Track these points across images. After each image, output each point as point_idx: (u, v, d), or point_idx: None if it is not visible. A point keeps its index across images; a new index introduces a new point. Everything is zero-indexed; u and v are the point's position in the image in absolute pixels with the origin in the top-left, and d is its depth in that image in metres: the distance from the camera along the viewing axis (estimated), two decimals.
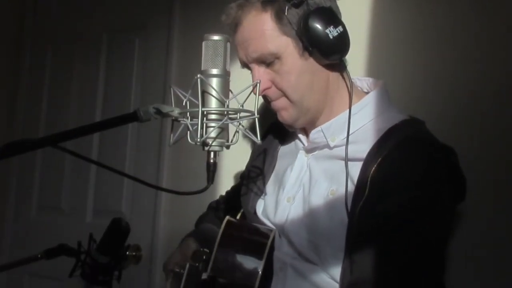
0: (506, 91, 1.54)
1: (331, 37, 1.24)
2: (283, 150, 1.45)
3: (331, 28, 1.24)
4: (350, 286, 1.15)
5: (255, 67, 1.29)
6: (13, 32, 2.86)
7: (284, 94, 1.29)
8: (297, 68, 1.27)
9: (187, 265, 1.18)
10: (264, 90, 1.29)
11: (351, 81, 1.31)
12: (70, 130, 0.98)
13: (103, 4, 2.56)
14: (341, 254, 1.20)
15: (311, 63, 1.28)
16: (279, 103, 1.31)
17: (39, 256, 1.31)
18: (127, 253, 1.33)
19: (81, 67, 2.63)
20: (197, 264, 1.17)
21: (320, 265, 1.23)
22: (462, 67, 1.61)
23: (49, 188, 2.66)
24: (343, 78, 1.34)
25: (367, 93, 1.35)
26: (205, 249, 1.19)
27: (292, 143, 1.43)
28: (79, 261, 1.28)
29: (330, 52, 1.26)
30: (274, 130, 1.49)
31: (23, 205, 2.73)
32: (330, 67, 1.30)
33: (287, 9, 1.24)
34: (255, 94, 1.09)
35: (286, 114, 1.31)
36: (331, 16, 1.27)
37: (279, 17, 1.25)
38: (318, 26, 1.23)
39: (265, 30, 1.26)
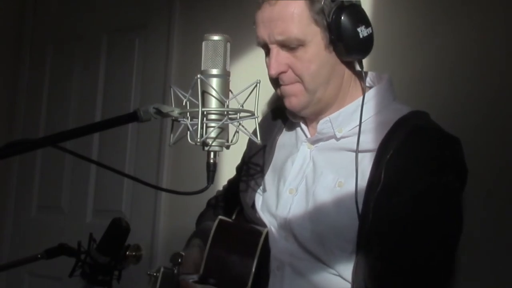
0: (506, 89, 1.54)
1: (360, 36, 1.24)
2: (282, 140, 1.44)
3: (363, 27, 1.24)
4: (377, 279, 1.14)
5: (275, 49, 1.26)
6: (13, 32, 2.86)
7: (301, 81, 1.27)
8: (319, 58, 1.26)
9: (162, 269, 1.18)
10: (280, 73, 1.26)
11: (365, 82, 1.29)
12: (70, 130, 0.98)
13: (103, 4, 2.56)
14: (348, 246, 1.20)
15: (333, 57, 1.27)
16: (292, 88, 1.28)
17: (39, 256, 1.31)
18: (127, 253, 1.33)
19: (81, 67, 2.63)
20: (173, 268, 1.17)
21: (324, 258, 1.22)
22: (462, 67, 1.61)
23: (49, 188, 2.66)
24: (356, 76, 1.33)
25: (369, 87, 1.35)
26: (181, 252, 1.18)
27: (292, 134, 1.42)
28: (79, 261, 1.28)
29: (355, 51, 1.26)
30: (267, 124, 1.47)
31: (23, 205, 2.73)
32: (347, 63, 1.30)
33: None
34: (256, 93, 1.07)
35: (296, 100, 1.29)
36: (364, 15, 1.27)
37: (313, 5, 1.23)
38: (351, 22, 1.23)
39: (297, 14, 1.23)
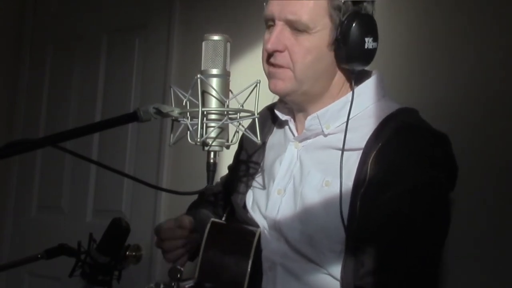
0: (504, 88, 1.55)
1: (365, 47, 1.23)
2: (272, 141, 1.43)
3: (370, 39, 1.24)
4: (366, 276, 1.14)
5: (280, 26, 1.25)
6: (13, 32, 2.86)
7: (292, 68, 1.25)
8: (318, 52, 1.25)
9: (161, 285, 1.18)
10: (275, 51, 1.25)
11: (353, 91, 1.28)
12: (70, 130, 0.98)
13: (103, 4, 2.56)
14: (337, 246, 1.19)
15: (331, 57, 1.26)
16: (281, 72, 1.27)
17: (39, 256, 1.31)
18: (127, 253, 1.33)
19: (81, 67, 2.63)
20: (172, 284, 1.17)
21: (315, 258, 1.22)
22: (460, 66, 1.61)
23: (49, 188, 2.66)
24: (348, 81, 1.31)
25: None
26: (180, 267, 1.19)
27: (281, 134, 1.41)
28: (79, 261, 1.28)
29: (354, 59, 1.25)
30: (261, 122, 1.46)
31: (23, 205, 2.73)
32: (342, 69, 1.29)
33: None
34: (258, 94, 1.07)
35: (282, 85, 1.27)
36: (375, 29, 1.26)
37: (334, 0, 1.23)
38: (361, 30, 1.23)
39: (315, 3, 1.23)
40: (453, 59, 1.63)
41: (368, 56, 1.26)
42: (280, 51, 1.26)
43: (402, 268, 1.14)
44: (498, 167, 1.53)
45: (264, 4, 1.29)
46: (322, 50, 1.25)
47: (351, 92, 1.28)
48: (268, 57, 1.28)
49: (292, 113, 1.37)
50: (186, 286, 1.21)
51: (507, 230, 1.51)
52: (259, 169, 1.41)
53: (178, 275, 1.16)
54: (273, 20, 1.27)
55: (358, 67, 1.27)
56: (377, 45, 1.26)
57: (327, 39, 1.25)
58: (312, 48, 1.24)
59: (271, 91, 1.30)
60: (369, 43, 1.24)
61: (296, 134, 1.36)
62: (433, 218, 1.17)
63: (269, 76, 1.30)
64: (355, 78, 1.29)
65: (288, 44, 1.25)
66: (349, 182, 1.20)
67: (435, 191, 1.18)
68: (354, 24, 1.22)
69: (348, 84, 1.32)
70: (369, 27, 1.25)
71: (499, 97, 1.55)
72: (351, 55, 1.24)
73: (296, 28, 1.24)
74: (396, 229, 1.16)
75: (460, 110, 1.59)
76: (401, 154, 1.18)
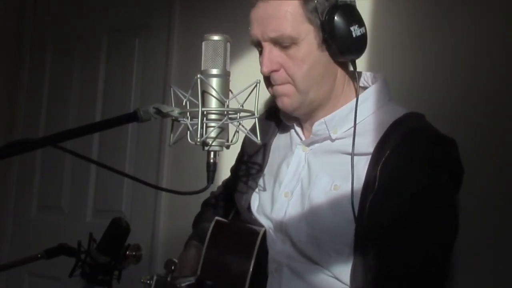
0: (505, 89, 1.55)
1: (354, 35, 1.23)
2: (276, 143, 1.44)
3: (356, 27, 1.23)
4: (374, 281, 1.14)
5: (267, 46, 1.25)
6: (13, 32, 2.86)
7: (292, 81, 1.26)
8: (312, 58, 1.25)
9: (155, 277, 1.19)
10: (272, 72, 1.26)
11: (358, 83, 1.29)
12: (70, 130, 0.98)
13: (103, 4, 2.56)
14: (344, 249, 1.20)
15: (326, 56, 1.26)
16: (283, 89, 1.27)
17: (39, 256, 1.31)
18: (127, 253, 1.33)
19: (81, 67, 2.63)
20: (166, 275, 1.17)
21: (320, 261, 1.22)
22: (461, 67, 1.61)
23: (49, 188, 2.66)
24: (349, 76, 1.32)
25: (364, 87, 1.34)
26: (174, 259, 1.19)
27: (287, 137, 1.41)
28: (79, 261, 1.28)
29: (348, 51, 1.25)
30: (263, 124, 1.46)
31: (23, 205, 2.73)
32: (341, 64, 1.29)
33: None
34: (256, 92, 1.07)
35: (287, 101, 1.28)
36: (357, 15, 1.26)
37: (307, 3, 1.23)
38: (344, 22, 1.22)
39: (290, 12, 1.23)
40: (454, 59, 1.63)
41: (359, 44, 1.25)
42: (276, 71, 1.26)
43: (406, 273, 1.14)
44: (498, 167, 1.53)
45: (249, 29, 1.30)
46: (315, 54, 1.25)
47: (355, 92, 1.28)
48: (268, 80, 1.29)
49: (297, 118, 1.37)
50: (187, 283, 1.21)
51: (507, 230, 1.51)
52: (263, 171, 1.40)
53: (173, 267, 1.16)
54: (259, 44, 1.28)
55: (354, 57, 1.28)
56: (365, 29, 1.26)
57: (315, 43, 1.25)
58: (305, 57, 1.24)
59: (280, 108, 1.31)
60: (356, 31, 1.24)
61: (303, 138, 1.35)
62: (435, 219, 1.17)
63: (275, 95, 1.30)
64: (355, 73, 1.29)
65: (281, 61, 1.25)
66: (358, 186, 1.20)
67: (435, 193, 1.18)
68: (335, 18, 1.22)
69: (350, 81, 1.32)
70: (350, 15, 1.24)
71: (499, 97, 1.55)
72: (343, 48, 1.24)
73: (283, 43, 1.24)
74: (401, 235, 1.16)
75: (460, 110, 1.59)
76: (405, 161, 1.19)
